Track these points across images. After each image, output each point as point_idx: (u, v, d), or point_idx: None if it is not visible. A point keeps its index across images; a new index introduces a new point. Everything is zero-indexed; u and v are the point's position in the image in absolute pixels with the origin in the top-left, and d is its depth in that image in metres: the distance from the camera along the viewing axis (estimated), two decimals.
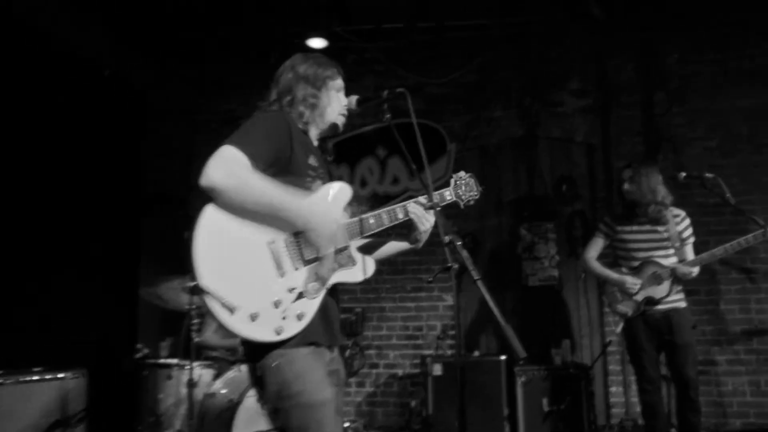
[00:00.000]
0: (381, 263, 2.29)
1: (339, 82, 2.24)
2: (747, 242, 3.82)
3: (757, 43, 5.47)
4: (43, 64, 4.58)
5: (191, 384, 3.80)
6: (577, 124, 5.72)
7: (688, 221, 4.06)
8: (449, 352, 5.43)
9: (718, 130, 5.47)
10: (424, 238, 2.23)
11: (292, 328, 1.91)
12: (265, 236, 1.92)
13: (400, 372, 5.55)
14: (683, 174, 3.98)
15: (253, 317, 1.84)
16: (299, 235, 1.96)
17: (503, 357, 4.83)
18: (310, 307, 1.96)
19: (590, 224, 5.55)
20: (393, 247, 2.33)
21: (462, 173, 2.36)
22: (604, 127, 5.65)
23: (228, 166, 1.83)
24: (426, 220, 2.18)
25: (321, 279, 1.98)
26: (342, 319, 5.24)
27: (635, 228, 4.05)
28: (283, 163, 1.99)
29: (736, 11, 5.21)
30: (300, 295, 1.93)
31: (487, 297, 1.71)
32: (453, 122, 5.81)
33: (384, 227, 2.15)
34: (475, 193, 2.37)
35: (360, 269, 2.12)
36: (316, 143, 2.23)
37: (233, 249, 1.87)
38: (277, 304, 1.88)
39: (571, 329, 5.42)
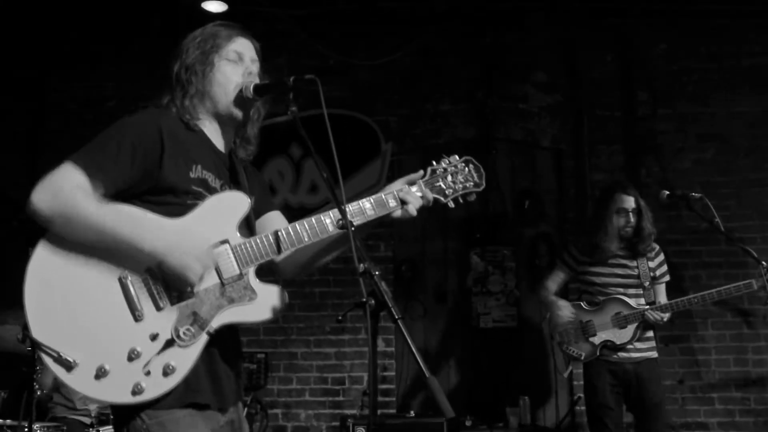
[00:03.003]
0: (294, 293, 2.28)
1: (235, 48, 2.17)
2: (728, 293, 4.00)
3: (759, 38, 5.77)
4: None
5: None
6: (544, 125, 5.87)
7: (662, 257, 4.26)
8: (379, 411, 5.43)
9: (712, 140, 5.72)
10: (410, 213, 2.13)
11: (158, 387, 1.87)
12: (115, 270, 1.90)
13: None
14: (666, 193, 4.14)
15: (99, 374, 1.82)
16: (164, 267, 1.92)
17: (446, 419, 4.89)
18: (184, 358, 1.91)
19: (558, 251, 5.73)
20: (337, 243, 2.19)
21: (454, 158, 2.23)
22: (576, 131, 5.82)
23: (57, 191, 1.83)
24: (415, 204, 2.10)
25: (200, 321, 1.94)
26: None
27: (608, 262, 4.21)
28: (150, 183, 1.97)
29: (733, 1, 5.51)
30: (168, 344, 1.89)
31: (409, 341, 1.71)
32: (388, 117, 5.86)
33: (304, 244, 2.07)
34: (474, 184, 2.23)
35: (263, 305, 2.04)
36: (220, 138, 2.19)
37: (71, 290, 1.86)
38: (132, 357, 1.85)
39: (532, 383, 5.50)
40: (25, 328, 1.84)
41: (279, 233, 2.04)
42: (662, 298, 4.19)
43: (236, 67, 2.15)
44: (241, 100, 2.12)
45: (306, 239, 2.06)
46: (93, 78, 5.74)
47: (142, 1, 5.38)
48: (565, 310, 4.28)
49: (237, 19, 2.30)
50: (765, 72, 5.76)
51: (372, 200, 2.12)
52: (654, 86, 5.84)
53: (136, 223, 1.89)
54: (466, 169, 2.22)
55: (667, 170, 5.65)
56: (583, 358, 4.21)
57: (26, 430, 3.77)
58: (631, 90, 5.88)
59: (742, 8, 5.59)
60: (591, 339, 4.17)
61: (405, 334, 1.71)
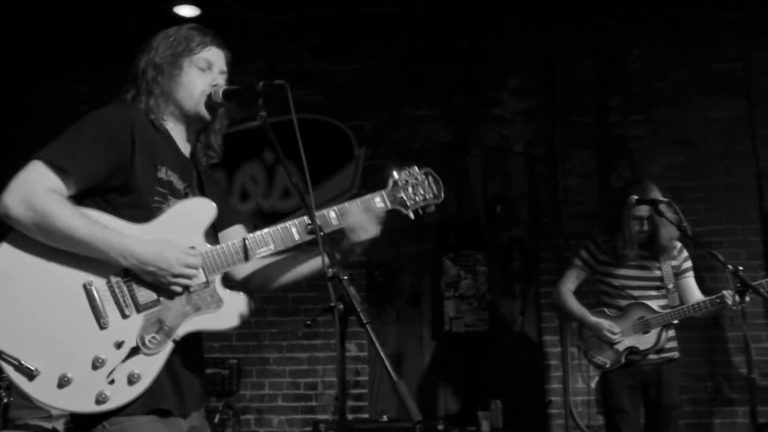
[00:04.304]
0: (285, 289, 2.25)
1: (205, 56, 2.17)
2: (700, 309, 4.02)
3: (731, 44, 5.88)
4: None
5: None
6: (518, 130, 5.94)
7: (686, 253, 4.28)
8: (351, 416, 5.47)
9: (684, 145, 5.82)
10: (359, 250, 2.18)
11: (123, 395, 1.87)
12: (81, 277, 1.90)
13: None
14: (635, 197, 4.19)
15: (62, 383, 1.82)
16: (131, 274, 1.93)
17: (418, 425, 4.94)
18: (150, 366, 1.92)
19: (531, 255, 5.79)
20: (306, 266, 2.23)
21: (414, 169, 2.26)
22: (550, 136, 5.90)
23: (29, 194, 1.82)
24: (365, 229, 2.13)
25: (165, 329, 1.95)
26: (211, 374, 5.26)
27: (630, 264, 4.22)
28: (119, 180, 1.97)
29: (708, 5, 5.60)
30: (133, 351, 1.90)
31: (377, 345, 1.75)
32: (363, 121, 5.92)
33: (272, 252, 2.11)
34: (433, 196, 2.27)
35: (230, 312, 2.06)
36: (185, 141, 2.21)
37: (34, 296, 1.85)
38: (97, 365, 1.85)
39: (504, 387, 5.55)
40: None
41: (246, 241, 2.07)
42: (695, 294, 4.19)
43: (204, 75, 2.16)
44: (209, 103, 2.13)
45: (272, 246, 2.09)
46: (67, 81, 5.74)
47: (116, 5, 5.38)
48: (603, 323, 4.20)
49: (209, 23, 2.31)
50: (737, 77, 5.86)
51: (336, 209, 2.17)
52: (628, 92, 5.92)
53: (110, 231, 1.88)
54: (426, 181, 2.27)
55: (640, 175, 5.71)
56: (608, 366, 4.19)
57: None
58: (605, 96, 5.95)
59: (713, 15, 5.69)
60: (615, 346, 4.16)
61: (373, 338, 1.75)
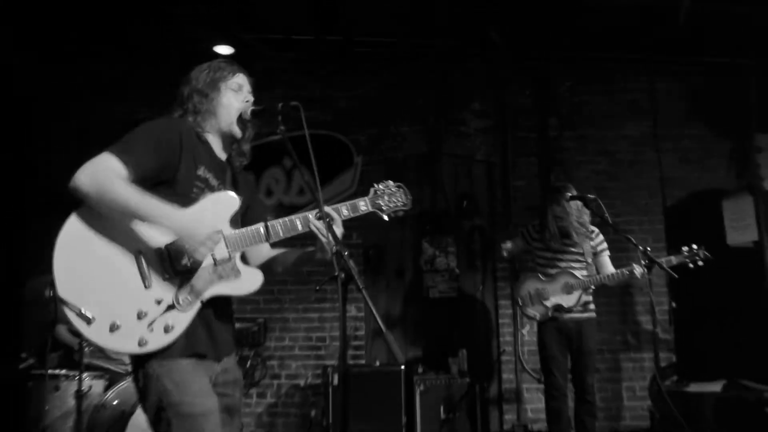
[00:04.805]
0: (286, 273, 2.23)
1: (235, 81, 2.16)
2: (612, 278, 4.05)
3: (636, 80, 5.92)
4: None
5: (80, 395, 3.64)
6: (478, 143, 5.92)
7: (601, 237, 4.31)
8: (352, 362, 5.47)
9: (604, 155, 5.84)
10: (328, 251, 2.11)
11: (159, 341, 1.87)
12: (132, 246, 1.89)
13: (301, 382, 5.49)
14: (569, 195, 4.21)
15: (113, 328, 1.81)
16: (171, 246, 1.93)
17: (403, 367, 4.94)
18: (181, 319, 1.91)
19: (488, 238, 5.79)
20: (297, 257, 2.25)
21: (389, 182, 2.26)
22: (503, 147, 5.88)
23: (96, 172, 1.82)
24: (329, 233, 2.05)
25: (195, 292, 1.94)
26: (244, 329, 5.23)
27: (554, 249, 4.23)
28: (168, 174, 1.96)
29: (618, 50, 5.59)
30: (169, 308, 1.90)
31: (370, 304, 1.75)
32: (359, 135, 5.86)
33: (281, 238, 2.10)
34: (403, 203, 2.26)
35: (245, 282, 2.06)
36: (221, 150, 2.17)
37: (95, 258, 1.84)
38: (140, 316, 1.85)
39: (469, 339, 5.54)
40: (52, 285, 1.79)
41: (260, 228, 2.07)
42: (607, 266, 4.22)
43: (237, 95, 2.17)
44: (240, 121, 2.14)
45: (281, 233, 2.09)
46: (132, 102, 5.54)
47: (164, 44, 5.29)
48: (528, 283, 4.29)
49: (240, 58, 2.33)
50: (642, 104, 5.90)
51: (348, 205, 2.19)
52: (561, 114, 5.92)
53: (157, 208, 1.87)
54: (398, 192, 2.27)
55: (571, 177, 5.71)
56: (538, 318, 4.20)
57: (77, 377, 3.73)
58: (544, 116, 5.95)
59: (624, 56, 5.69)
60: (545, 303, 4.17)
61: (367, 299, 1.76)
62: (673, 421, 4.09)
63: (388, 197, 2.25)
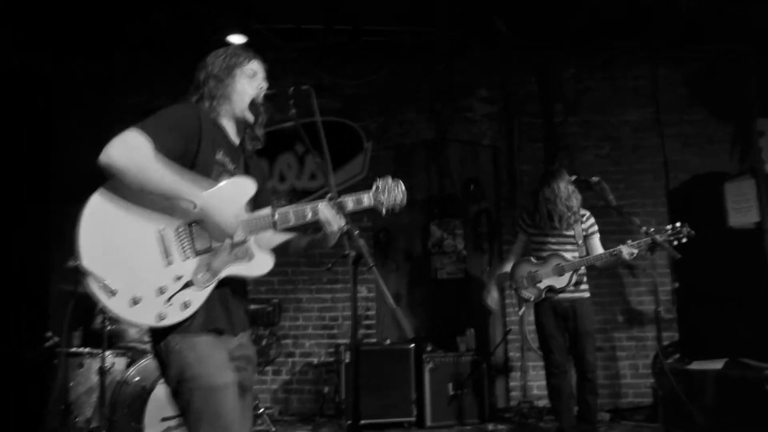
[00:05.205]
0: (296, 256, 2.28)
1: (250, 67, 2.14)
2: (600, 259, 4.02)
3: (638, 67, 5.89)
4: None
5: (102, 372, 3.68)
6: (484, 129, 5.92)
7: (592, 220, 4.29)
8: (364, 340, 5.48)
9: (608, 140, 5.84)
10: (332, 238, 2.13)
11: (177, 316, 1.87)
12: (155, 223, 1.88)
13: (315, 360, 5.53)
14: (573, 177, 4.16)
15: (134, 302, 1.80)
16: (192, 226, 1.92)
17: (412, 345, 4.95)
18: (198, 296, 1.91)
19: (495, 221, 5.81)
20: (308, 242, 2.26)
21: (388, 179, 2.25)
22: (509, 133, 5.87)
23: (128, 148, 1.80)
24: (334, 223, 2.08)
25: (212, 270, 1.95)
26: (259, 309, 5.23)
27: (547, 233, 4.23)
28: (188, 157, 1.95)
29: (620, 39, 5.54)
30: (187, 284, 1.89)
31: (380, 282, 1.75)
32: (368, 122, 5.87)
33: (291, 225, 2.10)
34: (401, 201, 2.24)
35: (257, 264, 2.07)
36: (234, 134, 2.17)
37: (119, 233, 1.83)
38: (161, 291, 1.85)
39: (476, 319, 5.57)
40: (76, 258, 1.75)
41: (273, 214, 2.07)
42: (597, 248, 4.20)
43: (252, 81, 2.14)
44: (253, 106, 2.13)
45: (293, 220, 2.09)
46: (148, 94, 5.54)
47: (181, 37, 5.25)
48: (522, 266, 4.27)
49: (251, 48, 2.26)
50: (644, 91, 5.87)
51: (353, 198, 2.19)
52: (565, 100, 5.89)
53: (190, 185, 1.87)
54: (396, 188, 2.25)
55: (575, 162, 5.72)
56: (532, 299, 4.19)
57: (100, 354, 3.77)
58: (548, 103, 5.92)
59: (627, 44, 5.65)
60: (538, 285, 4.16)
61: (377, 275, 1.78)
62: (675, 397, 4.06)
63: (388, 193, 2.25)
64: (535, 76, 5.96)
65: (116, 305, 1.78)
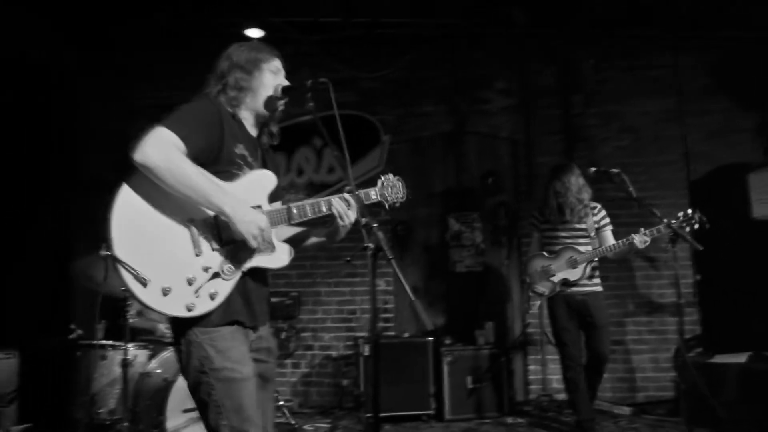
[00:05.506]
0: (317, 249, 2.27)
1: (274, 64, 2.16)
2: (612, 249, 4.00)
3: (659, 55, 5.77)
4: None
5: (125, 364, 3.72)
6: (502, 121, 5.87)
7: (603, 212, 4.28)
8: (383, 334, 5.49)
9: (628, 132, 5.74)
10: (343, 233, 2.18)
11: (204, 306, 1.90)
12: (184, 215, 1.91)
13: (334, 353, 5.56)
14: (593, 169, 4.13)
15: (165, 292, 1.83)
16: (219, 218, 1.94)
17: (431, 338, 4.94)
18: (224, 287, 1.94)
19: (513, 214, 5.76)
20: (315, 237, 2.30)
21: (390, 175, 2.33)
22: (527, 125, 5.82)
23: (165, 148, 1.81)
24: (347, 217, 2.12)
25: (237, 262, 1.97)
26: (278, 302, 5.26)
27: (558, 227, 4.23)
28: (212, 152, 1.96)
29: (640, 26, 5.46)
30: (215, 275, 1.92)
31: (399, 274, 1.76)
32: (386, 115, 5.84)
33: (308, 218, 2.13)
34: (401, 196, 2.32)
35: (279, 256, 2.10)
36: (252, 127, 2.17)
37: (151, 224, 1.85)
38: (190, 282, 1.87)
39: (494, 312, 5.56)
40: (108, 248, 1.78)
41: (291, 208, 2.11)
42: (609, 240, 4.19)
43: (274, 77, 2.16)
44: (271, 101, 2.13)
45: (309, 213, 2.12)
46: (168, 88, 5.57)
47: (199, 30, 5.28)
48: (535, 261, 4.31)
49: (270, 42, 2.27)
50: (665, 81, 5.74)
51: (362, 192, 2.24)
52: (584, 91, 5.82)
53: (216, 186, 1.89)
54: (398, 185, 2.33)
55: (595, 154, 5.67)
56: (546, 293, 4.20)
57: (122, 347, 3.81)
58: (567, 94, 5.85)
59: (647, 32, 5.56)
60: (551, 278, 4.17)
61: (395, 266, 1.78)
62: (697, 391, 4.00)
63: (392, 189, 2.31)
64: (553, 67, 5.90)
65: (148, 296, 1.81)
